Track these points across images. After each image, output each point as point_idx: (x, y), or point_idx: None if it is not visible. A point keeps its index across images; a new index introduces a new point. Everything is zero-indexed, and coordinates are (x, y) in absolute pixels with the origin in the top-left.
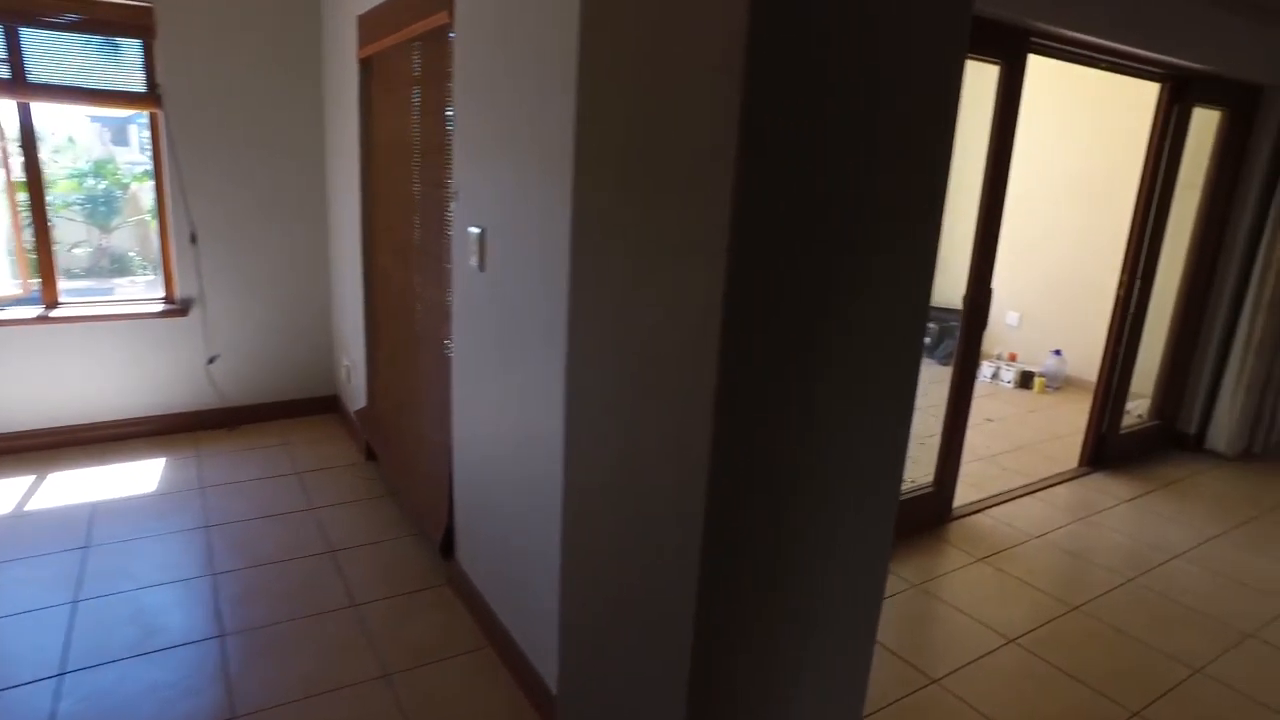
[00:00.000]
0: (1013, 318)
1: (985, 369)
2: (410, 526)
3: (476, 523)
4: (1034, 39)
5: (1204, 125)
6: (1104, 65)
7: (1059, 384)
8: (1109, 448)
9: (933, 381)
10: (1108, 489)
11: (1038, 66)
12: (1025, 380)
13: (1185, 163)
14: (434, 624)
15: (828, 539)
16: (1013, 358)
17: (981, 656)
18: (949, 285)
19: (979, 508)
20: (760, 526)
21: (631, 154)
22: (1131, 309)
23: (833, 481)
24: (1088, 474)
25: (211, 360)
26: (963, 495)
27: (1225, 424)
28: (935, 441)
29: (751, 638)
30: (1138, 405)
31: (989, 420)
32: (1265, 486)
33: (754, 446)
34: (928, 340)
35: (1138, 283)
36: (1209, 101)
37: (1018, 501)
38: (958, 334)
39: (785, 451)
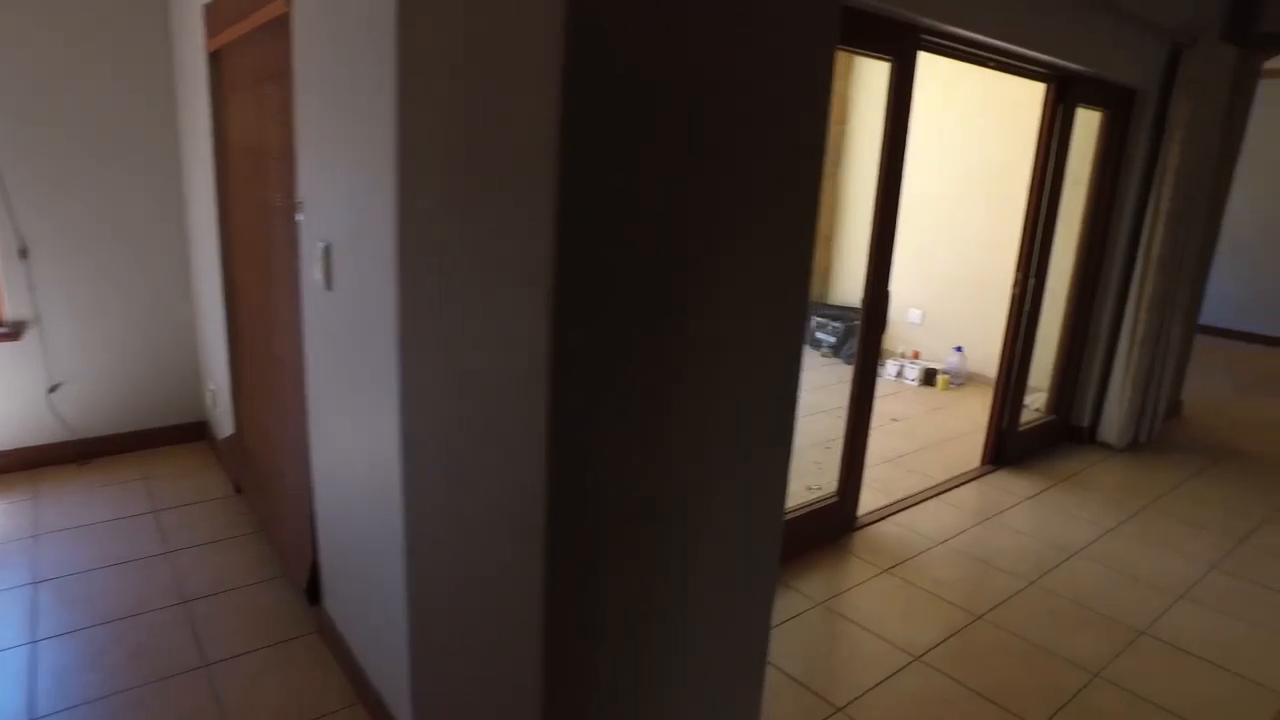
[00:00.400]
0: (915, 315)
1: (889, 368)
2: (280, 567)
3: (340, 565)
4: (924, 36)
5: (1092, 126)
6: (992, 64)
7: (961, 380)
8: (1009, 445)
9: (840, 381)
10: (1009, 487)
11: (941, 67)
12: (929, 378)
13: (1075, 162)
14: (298, 681)
15: (698, 567)
16: (916, 355)
17: (888, 678)
18: (855, 285)
19: (884, 514)
20: (614, 562)
21: (452, 161)
22: (1026, 306)
23: (699, 506)
24: (990, 472)
25: (54, 389)
26: (870, 501)
27: (1115, 417)
28: (841, 446)
29: (615, 680)
30: (1035, 399)
31: (894, 420)
32: (1151, 476)
33: (599, 479)
34: (833, 340)
35: (1031, 280)
36: (1090, 102)
37: (923, 505)
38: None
39: (638, 479)
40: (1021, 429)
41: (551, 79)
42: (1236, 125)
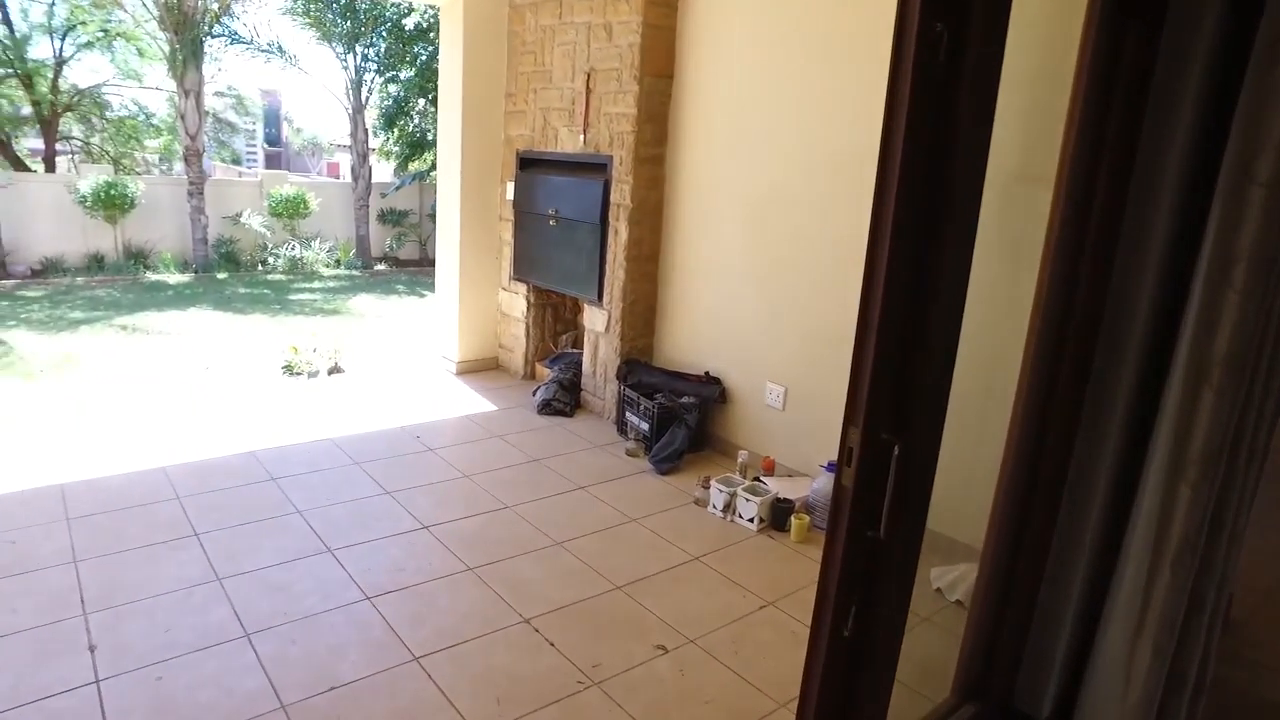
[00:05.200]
0: (774, 394)
1: (714, 494)
2: None
3: None
4: None
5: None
6: None
7: None
8: None
9: (625, 521)
10: None
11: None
12: (777, 517)
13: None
14: None
15: None
16: (769, 467)
17: None
18: (697, 337)
19: None
20: None
21: None
22: (891, 475)
23: None
24: None
25: None
26: None
27: (1110, 696)
28: None
29: None
30: (957, 578)
31: (661, 650)
32: None
33: None
34: (646, 426)
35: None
36: None
37: None
38: (697, 417)
39: None
40: None
41: None
42: None
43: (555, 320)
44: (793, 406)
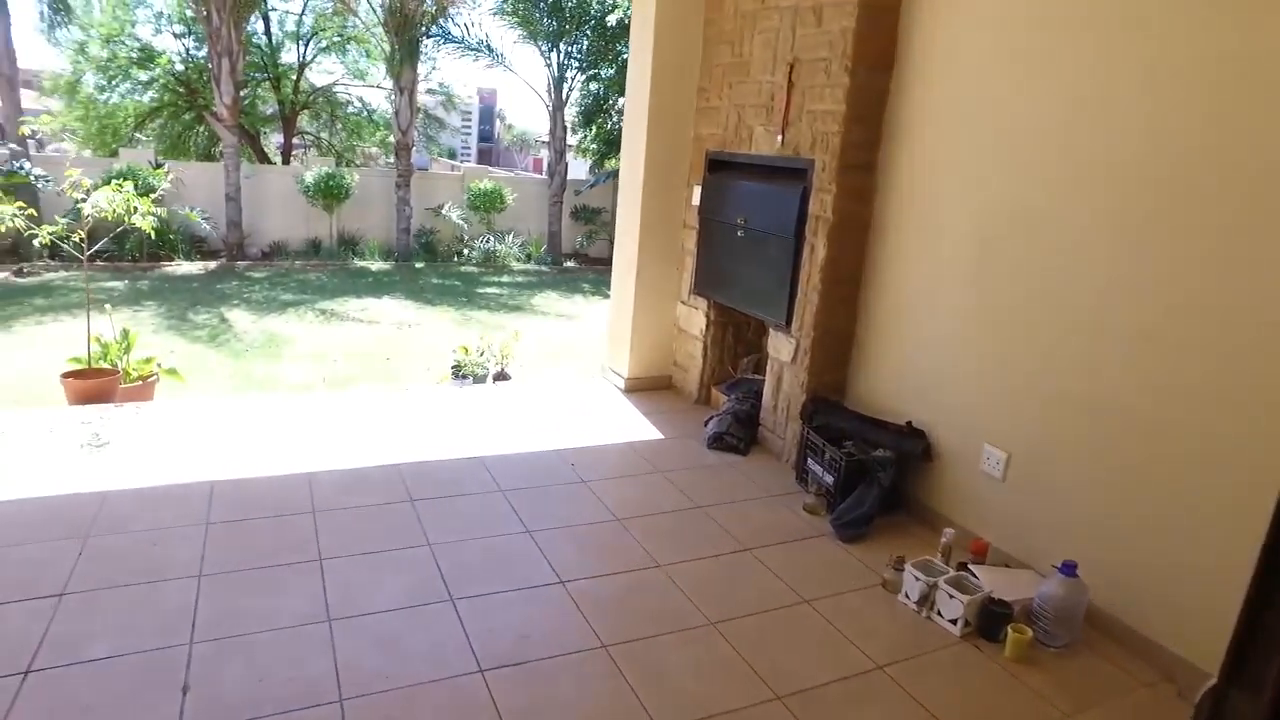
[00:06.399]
0: (993, 460)
1: (910, 581)
2: None
3: None
4: None
5: None
6: None
7: (1068, 639)
8: None
9: (796, 601)
10: None
11: None
12: (989, 624)
13: None
14: None
15: None
16: (979, 550)
17: None
18: (905, 379)
19: None
20: None
21: None
22: None
23: None
24: None
25: None
26: None
27: None
28: None
29: None
30: None
31: None
32: None
33: None
34: (831, 480)
35: None
36: None
37: None
38: (893, 475)
39: None
40: None
41: None
42: None
43: (737, 341)
44: (1016, 479)
